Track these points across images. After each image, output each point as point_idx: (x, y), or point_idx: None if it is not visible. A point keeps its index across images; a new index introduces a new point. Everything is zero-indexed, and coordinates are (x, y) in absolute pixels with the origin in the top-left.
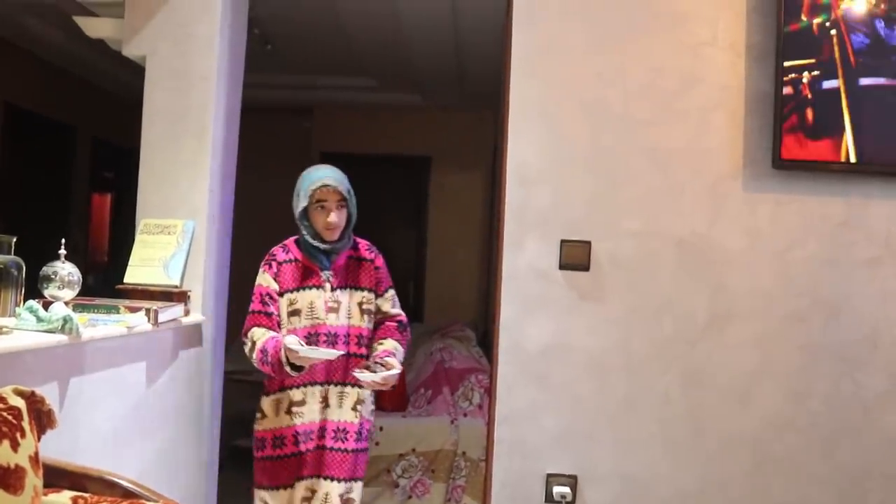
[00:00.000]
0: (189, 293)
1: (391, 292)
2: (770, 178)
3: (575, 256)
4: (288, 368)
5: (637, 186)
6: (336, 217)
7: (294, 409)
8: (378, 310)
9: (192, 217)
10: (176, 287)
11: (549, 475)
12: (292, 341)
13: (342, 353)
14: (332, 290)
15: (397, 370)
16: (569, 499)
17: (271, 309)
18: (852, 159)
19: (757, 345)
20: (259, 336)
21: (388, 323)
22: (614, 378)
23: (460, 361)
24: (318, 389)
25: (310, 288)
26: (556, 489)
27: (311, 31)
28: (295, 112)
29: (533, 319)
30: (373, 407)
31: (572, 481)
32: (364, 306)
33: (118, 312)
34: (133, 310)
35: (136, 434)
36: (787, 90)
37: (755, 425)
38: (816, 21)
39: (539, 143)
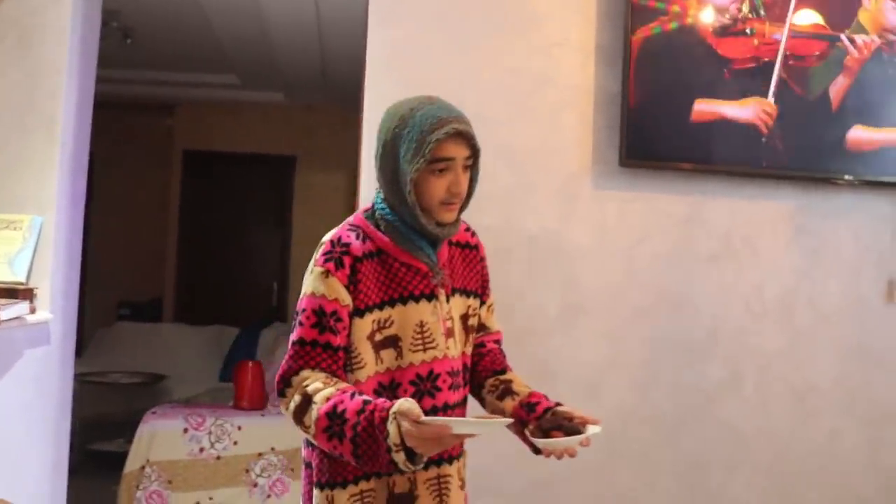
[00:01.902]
0: (35, 290)
1: (492, 297)
2: (617, 177)
3: None
4: (399, 456)
5: (491, 184)
6: (464, 183)
7: None
8: (479, 324)
9: (39, 212)
10: (21, 284)
11: None
12: (416, 409)
13: (509, 420)
14: (448, 298)
15: (598, 429)
16: None
17: (338, 339)
18: (695, 158)
19: (606, 338)
20: (318, 389)
21: (490, 345)
22: None
23: None
24: (433, 472)
25: (416, 298)
26: None
27: (173, 26)
28: (157, 109)
29: None
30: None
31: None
32: (469, 321)
33: None
34: None
35: None
36: (634, 91)
37: (605, 416)
38: (667, 27)
39: None
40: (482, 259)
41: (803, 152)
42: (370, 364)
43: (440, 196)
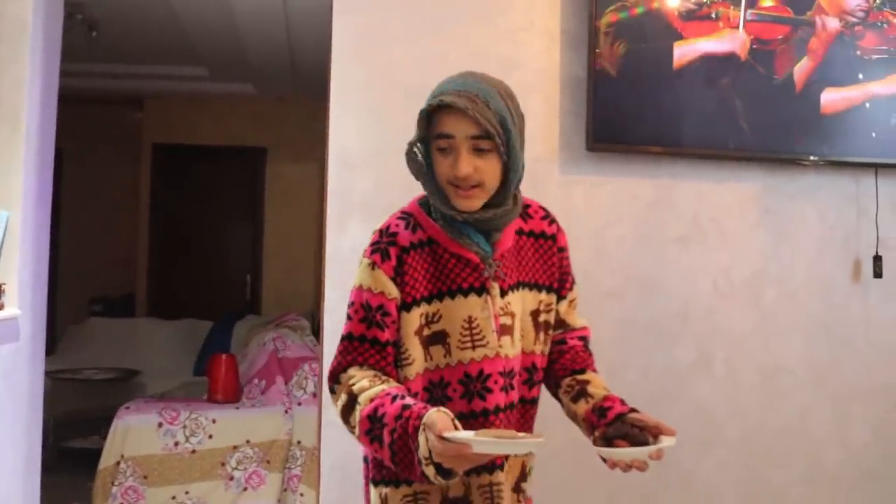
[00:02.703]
0: (3, 286)
1: (575, 291)
2: (584, 161)
3: None
4: (430, 470)
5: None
6: (466, 166)
7: None
8: (557, 320)
9: (5, 207)
10: None
11: None
12: (441, 422)
13: (538, 441)
14: (503, 293)
15: (672, 441)
16: None
17: (385, 334)
18: (662, 142)
19: None
20: (364, 389)
21: (572, 342)
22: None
23: (294, 351)
24: (485, 478)
25: (464, 292)
26: None
27: (139, 18)
28: (125, 103)
29: None
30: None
31: None
32: (541, 317)
33: None
34: None
35: None
36: (600, 75)
37: None
38: (633, 11)
39: (361, 129)
40: (561, 250)
41: (769, 134)
42: (418, 361)
43: (445, 175)
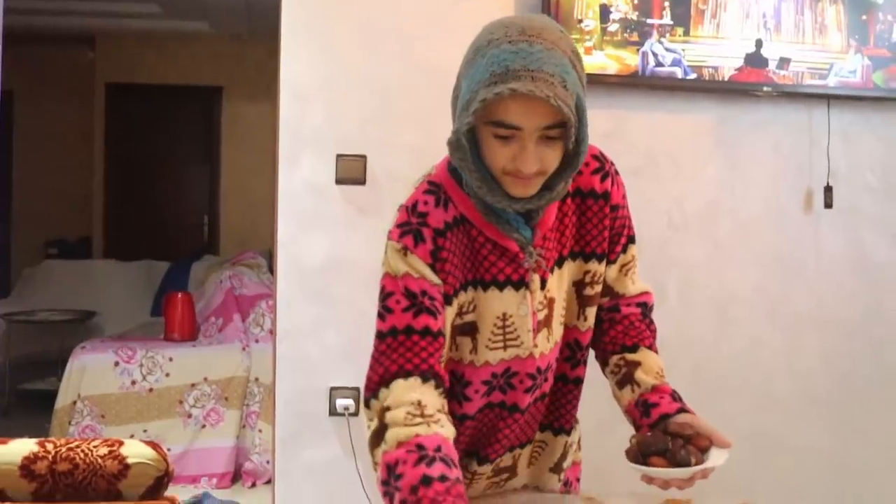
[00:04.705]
0: None
1: (630, 253)
2: None
3: (351, 171)
4: None
5: (412, 101)
6: (535, 162)
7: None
8: (605, 287)
9: None
10: None
11: (332, 389)
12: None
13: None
14: (543, 283)
15: (723, 457)
16: (352, 410)
17: (438, 321)
18: (616, 73)
19: None
20: (398, 423)
21: (626, 309)
22: None
23: (251, 288)
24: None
25: (500, 285)
26: (340, 402)
27: None
28: (76, 41)
29: (311, 236)
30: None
31: (356, 393)
32: (586, 290)
33: None
34: None
35: None
36: (553, 4)
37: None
38: None
39: (312, 61)
40: (614, 208)
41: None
42: (444, 352)
43: (502, 164)
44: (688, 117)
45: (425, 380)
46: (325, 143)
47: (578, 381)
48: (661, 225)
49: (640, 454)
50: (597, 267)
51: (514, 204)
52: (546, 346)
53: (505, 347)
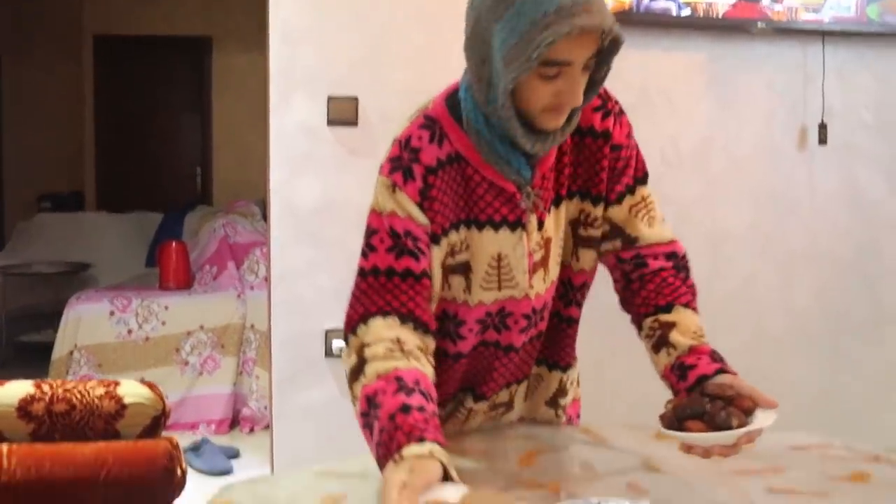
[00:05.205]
0: None
1: (640, 194)
2: None
3: (343, 112)
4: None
5: (404, 43)
6: (578, 91)
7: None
8: (614, 228)
9: None
10: None
11: (327, 331)
12: (422, 480)
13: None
14: (540, 224)
15: (770, 419)
16: None
17: (421, 263)
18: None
19: None
20: (377, 358)
21: (655, 262)
22: None
23: (245, 236)
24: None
25: (495, 225)
26: (335, 343)
27: None
28: None
29: (303, 178)
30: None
31: None
32: (581, 231)
33: None
34: None
35: None
36: None
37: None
38: None
39: (301, 3)
40: (615, 148)
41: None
42: (436, 291)
43: (544, 102)
44: (682, 55)
45: (403, 321)
46: (316, 85)
47: (572, 321)
48: (656, 163)
49: (675, 419)
50: (594, 209)
51: (546, 143)
52: (542, 286)
53: (500, 288)
